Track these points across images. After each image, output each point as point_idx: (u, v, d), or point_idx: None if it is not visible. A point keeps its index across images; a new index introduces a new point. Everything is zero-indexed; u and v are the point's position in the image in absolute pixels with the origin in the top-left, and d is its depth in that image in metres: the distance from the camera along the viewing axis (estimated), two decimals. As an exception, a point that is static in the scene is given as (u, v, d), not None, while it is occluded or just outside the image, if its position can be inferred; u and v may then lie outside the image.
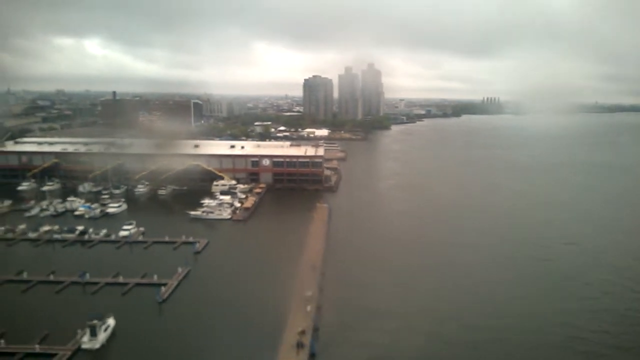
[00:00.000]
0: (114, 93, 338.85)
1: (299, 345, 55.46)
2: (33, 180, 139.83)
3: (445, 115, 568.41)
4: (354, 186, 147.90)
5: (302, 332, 58.22)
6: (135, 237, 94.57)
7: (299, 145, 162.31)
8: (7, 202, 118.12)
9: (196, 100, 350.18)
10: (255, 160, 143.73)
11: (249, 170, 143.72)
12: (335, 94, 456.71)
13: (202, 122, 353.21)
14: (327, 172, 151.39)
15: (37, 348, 53.75)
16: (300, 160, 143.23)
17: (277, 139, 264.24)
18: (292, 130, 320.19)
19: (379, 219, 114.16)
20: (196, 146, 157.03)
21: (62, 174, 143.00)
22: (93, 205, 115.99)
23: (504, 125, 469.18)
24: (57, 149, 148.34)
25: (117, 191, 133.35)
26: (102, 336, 55.92)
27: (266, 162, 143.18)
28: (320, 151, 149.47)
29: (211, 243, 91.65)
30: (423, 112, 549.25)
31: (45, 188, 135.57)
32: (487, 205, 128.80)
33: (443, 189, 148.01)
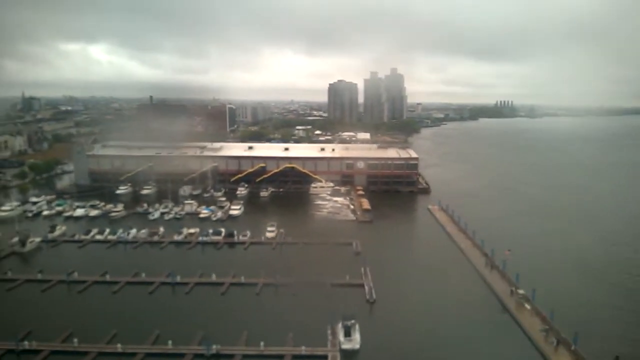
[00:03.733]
0: (151, 97, 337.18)
1: (558, 342, 55.17)
2: (129, 184, 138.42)
3: (462, 118, 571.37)
4: (445, 188, 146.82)
5: (546, 330, 57.94)
6: (283, 238, 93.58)
7: (385, 148, 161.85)
8: (120, 206, 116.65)
9: (230, 106, 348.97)
10: (350, 162, 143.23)
11: (343, 173, 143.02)
12: (359, 98, 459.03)
13: (235, 127, 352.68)
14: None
15: (303, 350, 52.83)
16: (396, 162, 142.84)
17: (318, 142, 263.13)
18: (329, 134, 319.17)
19: (499, 217, 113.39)
20: (286, 149, 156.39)
21: (156, 177, 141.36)
22: (212, 208, 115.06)
23: (527, 128, 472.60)
24: (149, 152, 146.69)
25: (218, 193, 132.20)
26: (357, 336, 55.11)
27: (361, 164, 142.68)
28: (413, 153, 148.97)
29: (362, 244, 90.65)
30: (442, 115, 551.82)
31: (144, 192, 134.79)
32: (589, 204, 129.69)
33: (533, 189, 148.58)
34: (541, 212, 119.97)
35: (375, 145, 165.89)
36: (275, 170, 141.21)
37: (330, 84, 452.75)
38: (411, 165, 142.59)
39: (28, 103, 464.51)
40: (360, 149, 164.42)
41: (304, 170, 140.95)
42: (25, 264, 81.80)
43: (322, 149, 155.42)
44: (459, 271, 79.74)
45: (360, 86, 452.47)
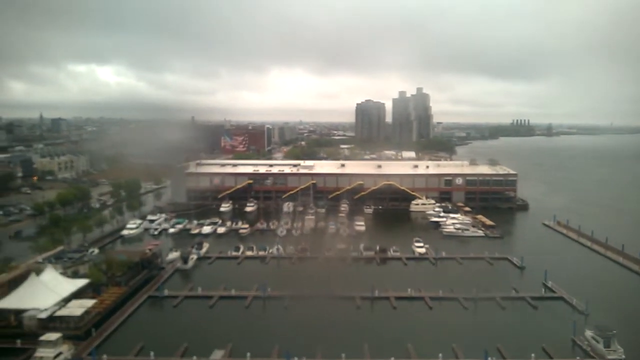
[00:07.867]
0: (192, 117, 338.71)
1: None
2: (230, 201, 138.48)
3: (484, 137, 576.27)
4: (537, 204, 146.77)
5: None
6: (437, 254, 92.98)
7: (477, 164, 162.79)
8: (240, 223, 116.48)
9: (268, 126, 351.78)
10: (449, 179, 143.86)
11: (441, 190, 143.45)
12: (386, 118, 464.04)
13: (271, 147, 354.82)
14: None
15: (576, 361, 52.55)
16: (495, 178, 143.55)
17: (364, 159, 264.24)
18: (367, 152, 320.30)
19: (627, 232, 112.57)
20: (379, 166, 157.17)
21: (255, 194, 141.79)
22: (332, 223, 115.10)
23: (553, 147, 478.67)
24: (247, 170, 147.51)
25: (321, 210, 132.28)
26: (618, 346, 54.60)
27: (459, 180, 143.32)
28: (509, 170, 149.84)
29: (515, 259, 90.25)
30: (464, 134, 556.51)
31: (247, 209, 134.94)
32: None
33: (631, 205, 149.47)
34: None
35: (466, 162, 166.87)
36: (374, 188, 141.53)
37: (357, 104, 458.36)
38: (510, 182, 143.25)
39: (56, 124, 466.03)
40: (452, 165, 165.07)
41: (401, 187, 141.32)
42: (198, 280, 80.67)
43: (416, 166, 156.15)
44: (636, 282, 79.82)
45: (388, 105, 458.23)
